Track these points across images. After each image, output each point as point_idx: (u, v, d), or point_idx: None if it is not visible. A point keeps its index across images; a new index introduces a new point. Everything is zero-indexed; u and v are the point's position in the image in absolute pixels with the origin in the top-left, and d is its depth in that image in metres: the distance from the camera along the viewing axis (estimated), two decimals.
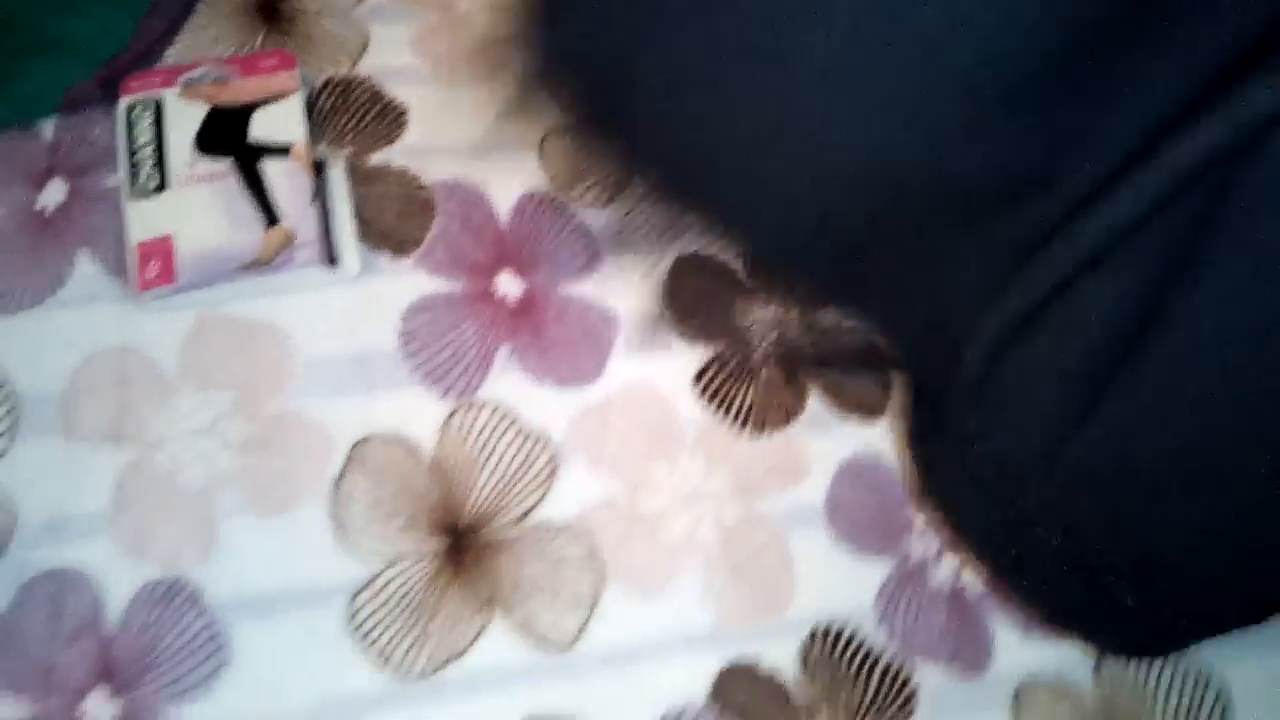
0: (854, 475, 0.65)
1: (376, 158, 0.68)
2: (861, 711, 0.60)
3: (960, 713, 0.60)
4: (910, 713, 0.60)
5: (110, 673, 0.55)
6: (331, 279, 0.64)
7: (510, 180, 0.69)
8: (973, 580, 0.63)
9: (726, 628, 0.60)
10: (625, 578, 0.60)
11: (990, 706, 0.60)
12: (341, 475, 0.61)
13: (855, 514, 0.64)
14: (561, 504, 0.62)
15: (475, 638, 0.59)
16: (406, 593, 0.59)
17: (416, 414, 0.63)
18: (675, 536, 0.62)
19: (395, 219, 0.67)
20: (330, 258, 0.64)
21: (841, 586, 0.62)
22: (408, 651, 0.58)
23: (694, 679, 0.59)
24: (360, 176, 0.68)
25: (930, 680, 0.61)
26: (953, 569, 0.63)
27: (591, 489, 0.62)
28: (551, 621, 0.59)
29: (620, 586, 0.60)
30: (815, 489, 0.64)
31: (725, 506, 0.63)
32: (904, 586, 0.63)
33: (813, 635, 0.61)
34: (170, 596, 0.57)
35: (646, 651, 0.59)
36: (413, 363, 0.64)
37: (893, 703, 0.60)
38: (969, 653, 0.62)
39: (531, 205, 0.68)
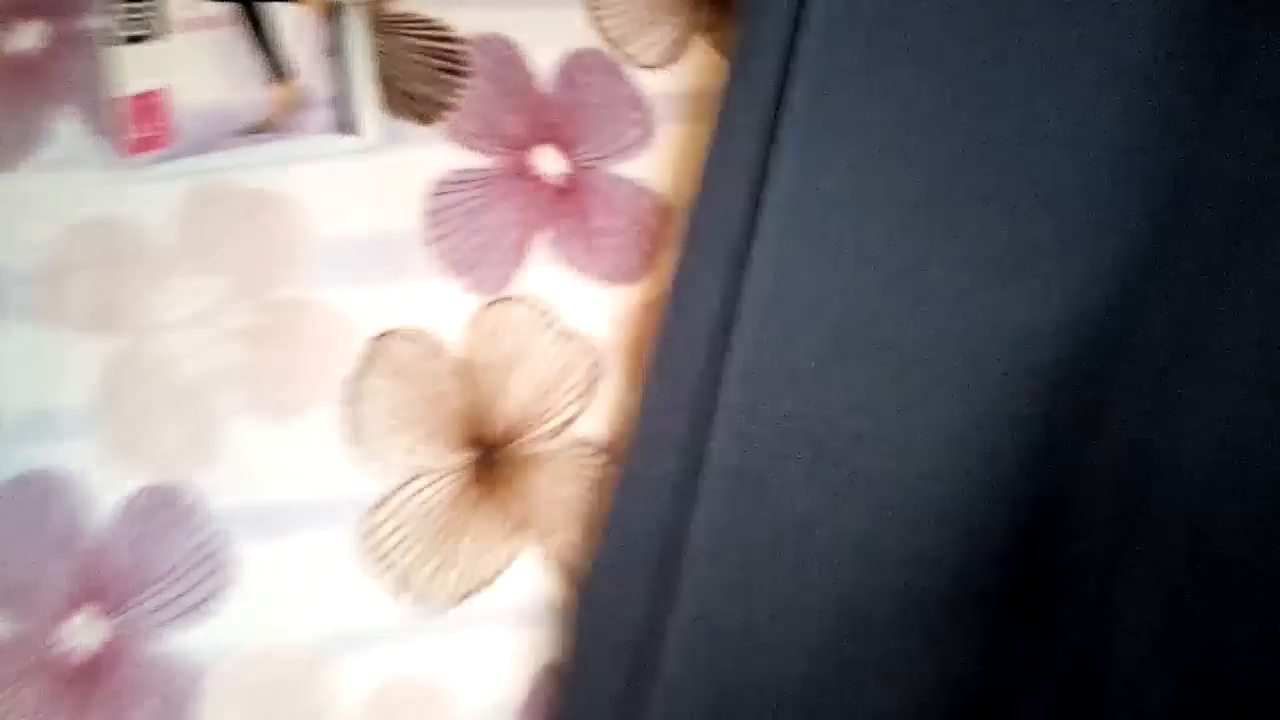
0: None
1: (400, 3, 0.58)
2: None
3: None
4: None
5: (97, 591, 0.49)
6: (347, 148, 0.56)
7: (555, 34, 0.59)
8: None
9: None
10: None
11: None
12: (358, 375, 0.54)
13: None
14: (603, 418, 0.54)
15: (505, 565, 0.52)
16: (429, 511, 0.53)
17: (442, 307, 0.55)
18: None
19: (421, 80, 0.58)
20: (346, 123, 0.55)
21: None
22: (430, 577, 0.52)
23: None
24: (381, 26, 0.58)
25: None
26: None
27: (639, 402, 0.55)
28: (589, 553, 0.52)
29: None
30: None
31: None
32: None
33: None
34: (165, 506, 0.50)
35: None
36: (439, 248, 0.56)
37: None
38: None
39: (579, 66, 0.59)
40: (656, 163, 0.58)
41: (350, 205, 0.56)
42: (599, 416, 0.55)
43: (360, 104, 0.56)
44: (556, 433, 0.54)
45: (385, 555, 0.52)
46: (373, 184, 0.56)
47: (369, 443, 0.53)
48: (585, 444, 0.54)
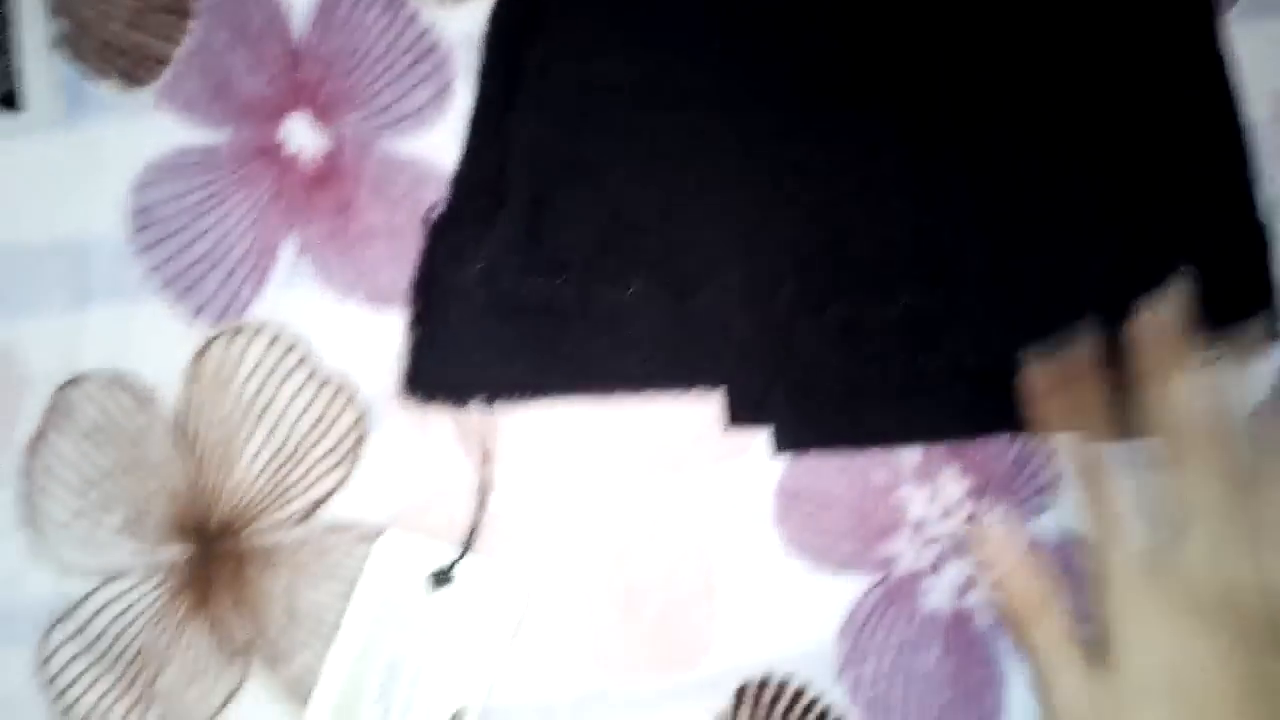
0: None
1: None
2: None
3: None
4: None
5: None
6: (12, 126, 0.40)
7: None
8: (984, 602, 0.39)
9: (615, 682, 0.39)
10: None
11: None
12: (36, 438, 0.39)
13: (815, 505, 0.40)
14: (371, 493, 0.39)
15: (224, 703, 0.38)
16: (124, 629, 0.38)
17: (153, 343, 0.40)
18: (548, 540, 0.40)
19: (123, 24, 0.42)
20: (8, 93, 0.40)
21: (790, 620, 0.40)
22: (125, 718, 0.38)
23: None
24: None
25: None
26: (955, 583, 0.40)
27: (421, 461, 0.40)
28: None
29: None
30: (757, 471, 0.41)
31: (625, 491, 0.40)
32: (880, 615, 0.40)
33: (740, 694, 0.39)
34: None
35: None
36: (148, 260, 0.41)
37: None
38: (970, 716, 0.39)
39: (344, 2, 0.42)
40: (450, 135, 0.41)
41: (24, 203, 0.41)
42: (364, 491, 0.39)
43: (24, 61, 0.41)
44: (303, 516, 0.40)
45: (66, 689, 0.38)
46: (56, 171, 0.41)
47: (50, 533, 0.39)
48: (342, 530, 0.39)
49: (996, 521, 0.39)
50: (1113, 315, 0.37)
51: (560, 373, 0.39)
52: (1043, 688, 0.36)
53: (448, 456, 0.40)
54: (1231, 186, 0.41)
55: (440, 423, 0.40)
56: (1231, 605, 0.33)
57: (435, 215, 0.40)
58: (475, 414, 0.39)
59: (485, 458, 0.39)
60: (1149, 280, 0.38)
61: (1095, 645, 0.35)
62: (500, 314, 0.39)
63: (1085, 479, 0.36)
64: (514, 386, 0.39)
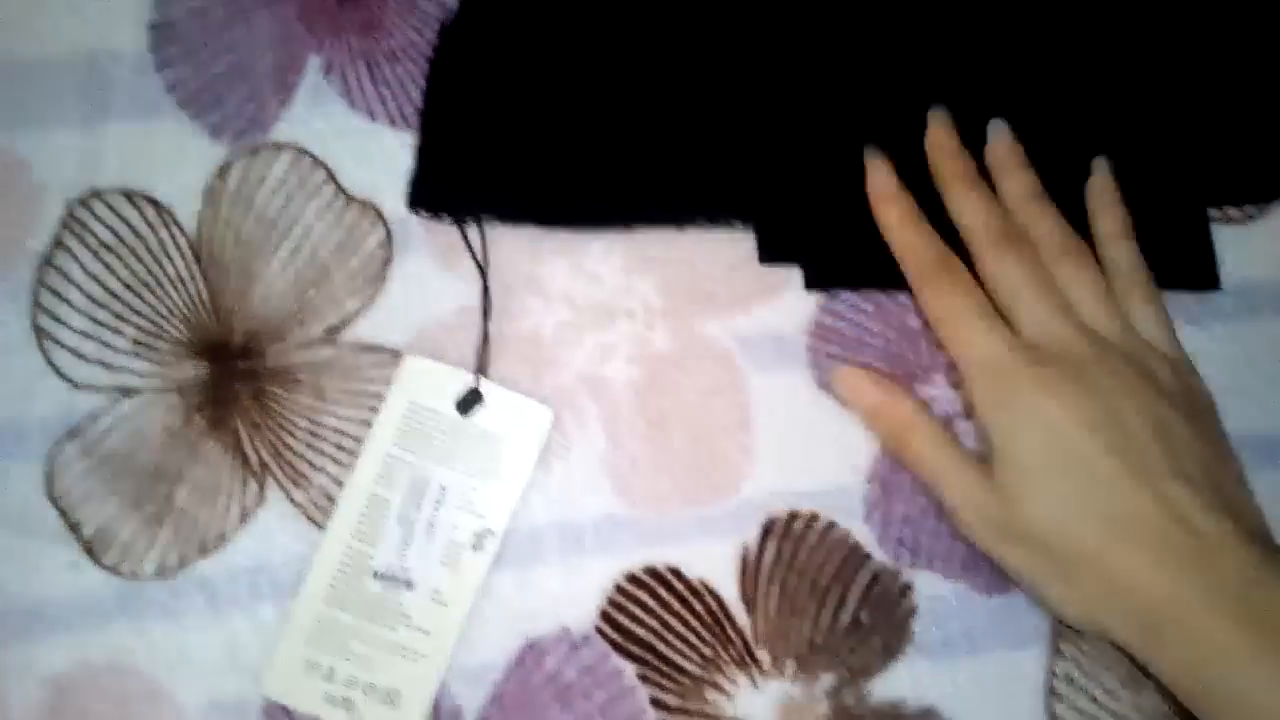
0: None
1: None
2: (828, 643, 0.38)
3: (981, 649, 0.38)
4: (900, 653, 0.38)
5: None
6: None
7: None
8: None
9: (637, 512, 0.38)
10: None
11: (1023, 638, 0.38)
12: (51, 251, 0.38)
13: (849, 343, 0.39)
14: (395, 313, 0.38)
15: (240, 522, 0.37)
16: (140, 446, 0.37)
17: (172, 161, 0.39)
18: (570, 368, 0.39)
19: None
20: None
21: (820, 456, 0.39)
22: (135, 537, 0.37)
23: (580, 591, 0.38)
24: None
25: (935, 596, 0.38)
26: None
27: (446, 285, 0.39)
28: None
29: None
30: (791, 308, 0.40)
31: (653, 325, 0.39)
32: None
33: (767, 528, 0.38)
34: None
35: (514, 550, 0.38)
36: (169, 76, 0.40)
37: (876, 631, 0.38)
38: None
39: None
40: None
41: (40, 17, 0.40)
42: (390, 313, 0.38)
43: None
44: (327, 337, 0.38)
45: (78, 504, 0.37)
46: None
47: (63, 346, 0.38)
48: (368, 351, 0.38)
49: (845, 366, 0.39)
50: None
51: (579, 195, 0.38)
52: (939, 494, 0.36)
53: (472, 281, 0.39)
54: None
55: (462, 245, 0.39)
56: (1084, 363, 0.34)
57: (449, 23, 0.39)
58: (480, 231, 0.38)
59: (485, 277, 0.38)
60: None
61: (979, 443, 0.36)
62: (514, 130, 0.38)
63: (933, 278, 0.37)
64: (527, 206, 0.38)
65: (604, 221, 0.39)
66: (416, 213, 0.38)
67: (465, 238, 0.38)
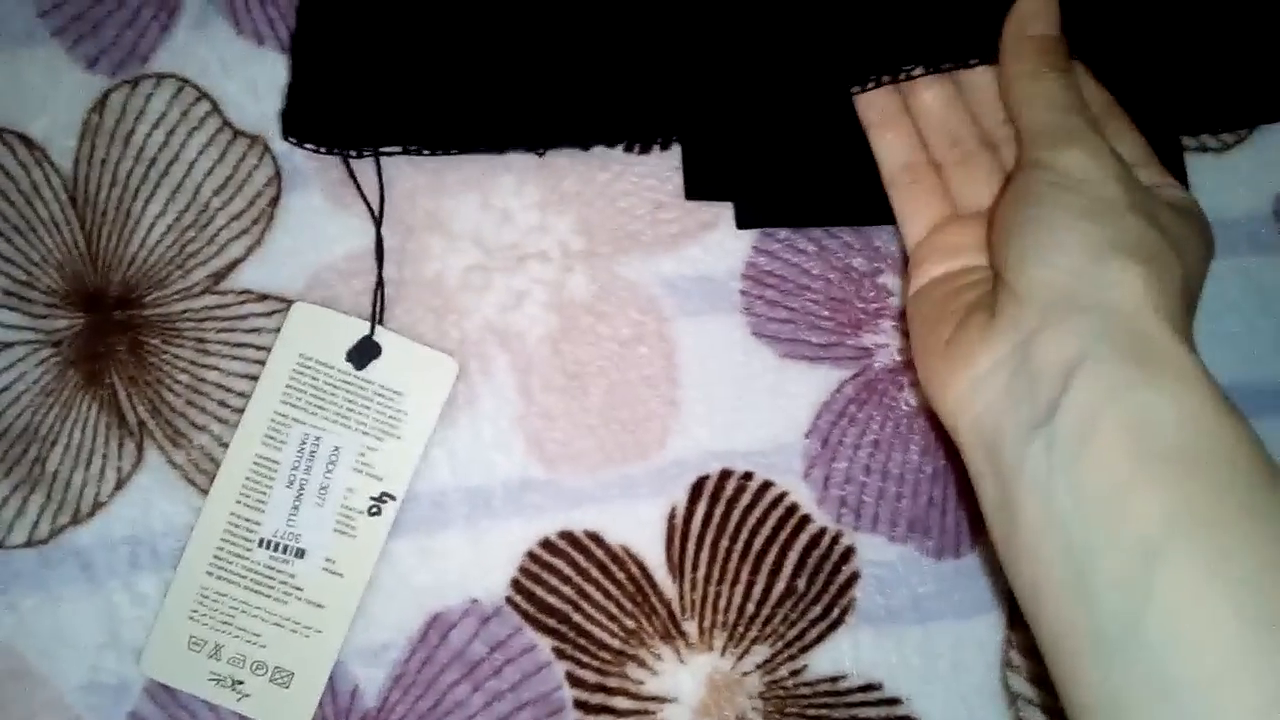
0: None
1: None
2: (761, 613, 0.34)
3: (930, 618, 0.34)
4: (840, 623, 0.34)
5: None
6: None
7: None
8: None
9: (552, 473, 0.35)
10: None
11: (977, 605, 0.35)
12: None
13: (786, 287, 0.36)
14: (286, 254, 0.35)
15: (115, 487, 0.34)
16: (8, 406, 0.34)
17: (45, 95, 0.36)
18: (478, 315, 0.35)
19: None
20: None
21: (755, 410, 0.35)
22: (4, 503, 0.34)
23: (489, 559, 0.35)
24: None
25: (880, 561, 0.35)
26: None
27: (340, 226, 0.35)
28: None
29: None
30: (722, 248, 0.36)
31: (570, 267, 0.36)
32: (856, 409, 0.36)
33: (696, 489, 0.35)
34: None
35: (415, 515, 0.35)
36: (40, 3, 0.36)
37: (815, 600, 0.35)
38: (948, 521, 0.35)
39: None
40: None
41: None
42: (278, 257, 0.35)
43: None
44: (211, 283, 0.35)
45: None
46: None
47: None
48: (254, 299, 0.35)
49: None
50: None
51: (477, 113, 0.35)
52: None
53: (369, 220, 0.35)
54: None
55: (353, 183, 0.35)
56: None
57: None
58: (368, 163, 0.35)
59: (377, 214, 0.35)
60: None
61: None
62: (401, 44, 0.34)
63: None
64: (419, 129, 0.34)
65: (506, 142, 0.35)
66: (292, 143, 0.35)
67: (349, 169, 0.35)
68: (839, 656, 0.35)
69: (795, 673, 0.34)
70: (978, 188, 0.34)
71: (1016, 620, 0.35)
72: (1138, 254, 0.28)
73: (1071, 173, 0.29)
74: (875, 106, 0.34)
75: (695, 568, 0.35)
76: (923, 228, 0.34)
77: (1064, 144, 0.30)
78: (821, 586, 0.35)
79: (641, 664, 0.34)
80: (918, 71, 0.34)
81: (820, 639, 0.35)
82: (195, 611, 0.34)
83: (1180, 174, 0.36)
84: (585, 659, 0.34)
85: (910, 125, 0.35)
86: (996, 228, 0.31)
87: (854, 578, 0.35)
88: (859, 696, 0.34)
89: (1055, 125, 0.30)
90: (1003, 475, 0.28)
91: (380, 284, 0.35)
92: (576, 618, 0.34)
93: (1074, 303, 0.28)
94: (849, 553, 0.35)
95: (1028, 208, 0.29)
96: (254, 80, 0.36)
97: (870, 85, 0.34)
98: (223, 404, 0.35)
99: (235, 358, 0.35)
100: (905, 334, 0.36)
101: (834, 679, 0.34)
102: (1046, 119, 0.30)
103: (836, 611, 0.35)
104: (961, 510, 0.36)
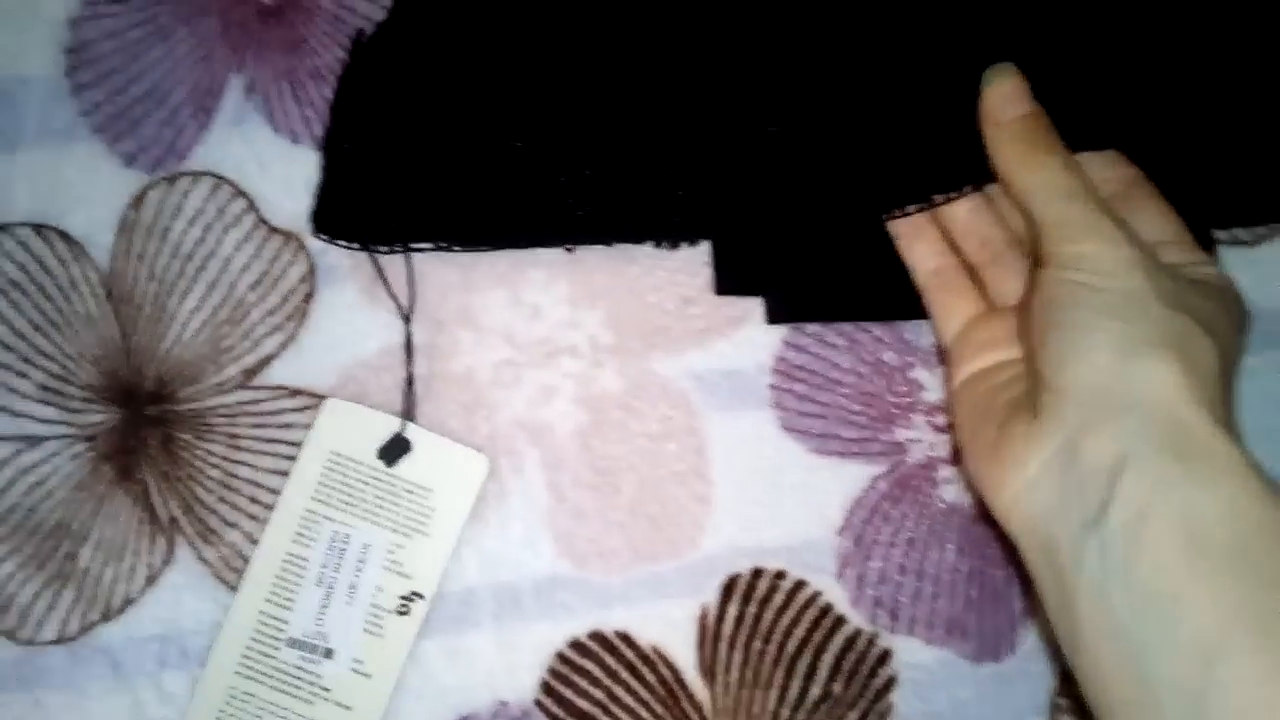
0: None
1: None
2: (796, 719, 0.34)
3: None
4: None
5: None
6: None
7: None
8: None
9: (582, 571, 0.34)
10: None
11: (1018, 711, 0.34)
12: None
13: (816, 381, 0.36)
14: (319, 350, 0.35)
15: (146, 584, 0.34)
16: (42, 501, 0.34)
17: (86, 191, 0.36)
18: (508, 410, 0.35)
19: None
20: None
21: (786, 507, 0.35)
22: (35, 599, 0.34)
23: (518, 660, 0.34)
24: None
25: (917, 664, 0.34)
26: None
27: (373, 322, 0.35)
28: None
29: None
30: (752, 343, 0.36)
31: (600, 363, 0.36)
32: (890, 506, 0.35)
33: (728, 588, 0.34)
34: None
35: (444, 615, 0.34)
36: (83, 101, 0.37)
37: (851, 705, 0.34)
38: (986, 624, 0.34)
39: None
40: None
41: None
42: (312, 353, 0.35)
43: None
44: (244, 378, 0.35)
45: None
46: None
47: None
48: (287, 394, 0.35)
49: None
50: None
51: (507, 210, 0.35)
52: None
53: (398, 315, 0.35)
54: None
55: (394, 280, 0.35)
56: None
57: (363, 38, 0.36)
58: (399, 259, 0.35)
59: (406, 309, 0.35)
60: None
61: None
62: (432, 142, 0.35)
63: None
64: (448, 225, 0.34)
65: (535, 239, 0.35)
66: (323, 240, 0.35)
67: (377, 266, 0.35)
68: None
69: None
70: (1010, 284, 0.34)
71: None
72: (1167, 345, 0.27)
73: (1090, 267, 0.29)
74: (904, 221, 0.34)
75: (728, 670, 0.34)
76: (958, 325, 0.34)
77: (1078, 237, 0.29)
78: (859, 691, 0.34)
79: None
80: (941, 199, 0.34)
81: None
82: (223, 712, 0.33)
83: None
84: None
85: (938, 233, 0.34)
86: (1027, 329, 0.30)
87: (891, 682, 0.34)
88: None
89: (1065, 218, 0.30)
90: (1061, 577, 0.27)
91: (410, 380, 0.35)
92: None
93: (1111, 402, 0.27)
94: (886, 656, 0.34)
95: (1054, 311, 0.29)
96: (289, 178, 0.36)
97: (899, 214, 0.34)
98: (254, 500, 0.35)
99: (267, 453, 0.35)
100: (938, 429, 0.36)
101: None
102: (1055, 211, 0.30)
103: (874, 717, 0.34)
104: (1000, 614, 0.35)
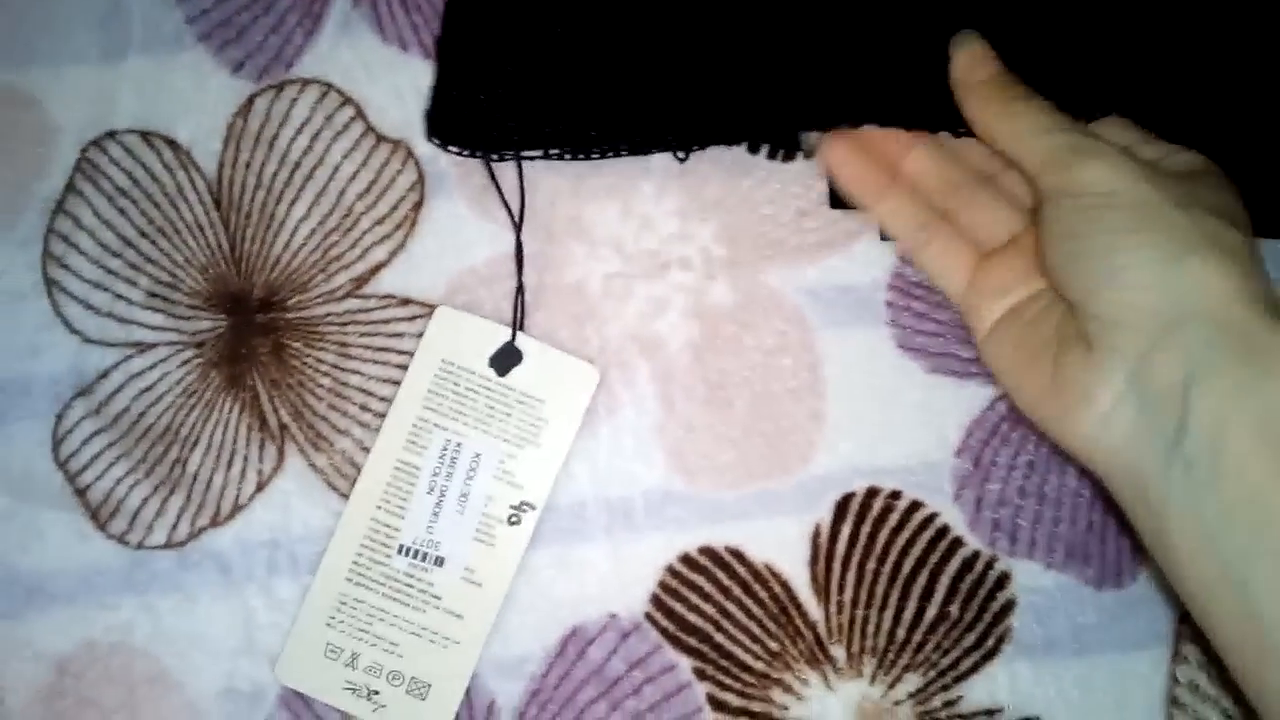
0: None
1: None
2: (913, 640, 0.33)
3: (1090, 651, 0.33)
4: (996, 653, 0.33)
5: None
6: None
7: None
8: None
9: (694, 486, 0.34)
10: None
11: (1140, 638, 0.33)
12: (62, 195, 0.35)
13: (934, 298, 0.35)
14: (428, 259, 0.35)
15: (255, 490, 0.34)
16: (151, 406, 0.34)
17: (191, 99, 0.36)
18: (619, 323, 0.34)
19: None
20: None
21: (902, 426, 0.34)
22: (145, 504, 0.34)
23: (629, 573, 0.34)
24: None
25: (1037, 588, 0.33)
26: None
27: (481, 231, 0.35)
28: None
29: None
30: (868, 258, 0.35)
31: (713, 275, 0.35)
32: (1009, 428, 0.34)
33: (841, 506, 0.33)
34: None
35: (555, 526, 0.34)
36: (188, 9, 0.36)
37: (969, 627, 0.33)
38: (1109, 549, 0.33)
39: None
40: None
41: None
42: (421, 262, 0.35)
43: None
44: (354, 287, 0.35)
45: (86, 466, 0.34)
46: None
47: (72, 295, 0.35)
48: (397, 303, 0.35)
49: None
50: None
51: (620, 115, 0.34)
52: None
53: (507, 225, 0.35)
54: None
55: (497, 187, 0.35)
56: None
57: None
58: (509, 167, 0.34)
59: (518, 218, 0.34)
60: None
61: None
62: (544, 48, 0.34)
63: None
64: (561, 131, 0.34)
65: (648, 143, 0.34)
66: (435, 144, 0.34)
67: (490, 173, 0.34)
68: (995, 688, 0.33)
69: (949, 704, 0.33)
70: (992, 222, 0.33)
71: (1181, 655, 0.33)
72: (1203, 248, 0.27)
73: (1096, 188, 0.28)
74: (866, 184, 0.33)
75: (842, 589, 0.33)
76: (961, 277, 0.32)
77: (1075, 163, 0.29)
78: (976, 614, 0.33)
79: (787, 689, 0.33)
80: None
81: (975, 669, 0.33)
82: (333, 618, 0.33)
83: None
84: (727, 681, 0.33)
85: (904, 191, 0.33)
86: (1051, 270, 0.29)
87: (1010, 605, 0.33)
88: None
89: (1056, 148, 0.29)
90: (1152, 505, 0.27)
91: (521, 290, 0.34)
92: (718, 637, 0.33)
93: (1163, 318, 0.27)
94: (1004, 579, 0.34)
95: (1076, 240, 0.28)
96: (398, 86, 0.36)
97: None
98: (364, 408, 0.34)
99: (377, 362, 0.35)
100: None
101: (990, 712, 0.33)
102: (1044, 146, 0.29)
103: (992, 640, 0.33)
104: (1123, 537, 0.34)
